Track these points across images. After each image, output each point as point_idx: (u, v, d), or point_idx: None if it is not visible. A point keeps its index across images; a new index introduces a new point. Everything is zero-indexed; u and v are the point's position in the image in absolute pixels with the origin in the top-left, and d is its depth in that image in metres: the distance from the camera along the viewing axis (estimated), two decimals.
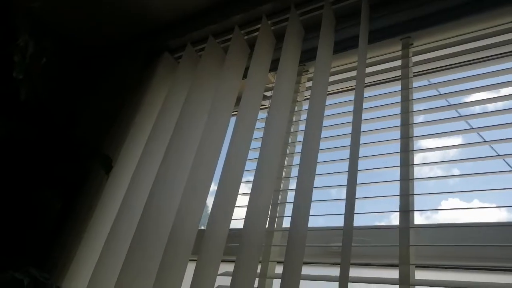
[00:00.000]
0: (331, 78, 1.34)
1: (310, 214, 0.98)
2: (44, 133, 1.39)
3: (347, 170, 0.96)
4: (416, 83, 1.20)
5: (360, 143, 1.01)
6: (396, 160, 1.06)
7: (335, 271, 0.86)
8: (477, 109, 1.09)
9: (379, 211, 1.06)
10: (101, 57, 1.93)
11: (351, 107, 1.10)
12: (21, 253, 1.28)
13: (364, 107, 1.09)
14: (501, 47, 1.12)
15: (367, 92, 1.29)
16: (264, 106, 1.46)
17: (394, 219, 1.03)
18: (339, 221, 1.05)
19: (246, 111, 1.21)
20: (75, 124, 1.70)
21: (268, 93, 1.42)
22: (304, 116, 1.36)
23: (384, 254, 0.99)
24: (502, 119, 1.01)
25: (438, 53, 1.21)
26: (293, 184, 1.23)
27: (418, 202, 0.99)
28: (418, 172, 1.05)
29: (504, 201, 0.91)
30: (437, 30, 1.21)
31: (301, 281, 0.90)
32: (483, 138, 1.01)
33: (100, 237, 1.25)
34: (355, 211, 0.91)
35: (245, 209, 1.02)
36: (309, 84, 1.42)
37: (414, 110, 1.13)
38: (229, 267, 1.02)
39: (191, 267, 1.02)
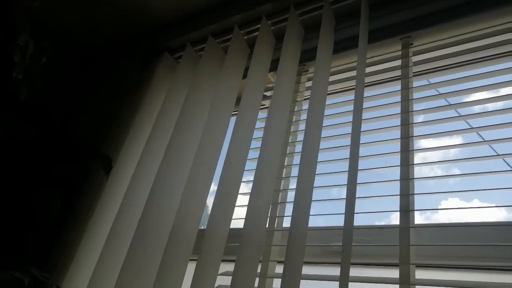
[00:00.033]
0: (331, 78, 1.34)
1: (310, 213, 0.98)
2: (44, 133, 1.39)
3: (347, 169, 0.96)
4: (416, 82, 1.21)
5: (360, 142, 1.01)
6: (396, 159, 1.06)
7: (336, 271, 0.86)
8: (476, 109, 1.09)
9: (379, 210, 1.06)
10: (100, 57, 1.92)
11: (351, 107, 1.10)
12: (21, 253, 1.28)
13: (364, 106, 1.10)
14: (500, 47, 1.12)
15: (367, 92, 1.29)
16: (264, 106, 1.46)
17: (394, 219, 1.03)
18: (339, 221, 1.05)
19: (246, 111, 1.21)
20: (75, 124, 1.70)
21: (268, 93, 1.42)
22: (304, 116, 1.36)
23: (384, 253, 0.99)
24: (502, 118, 1.01)
25: (438, 53, 1.22)
26: (293, 184, 1.23)
27: (418, 201, 0.99)
28: (418, 171, 1.05)
29: (503, 201, 0.91)
30: (437, 30, 1.21)
31: (301, 280, 0.90)
32: (482, 138, 1.02)
33: (100, 236, 1.25)
34: (355, 211, 0.91)
35: (245, 209, 1.03)
36: (309, 84, 1.42)
37: (414, 109, 1.13)
38: (230, 267, 1.02)
39: (191, 267, 1.02)
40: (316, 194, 1.02)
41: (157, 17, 1.69)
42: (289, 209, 1.20)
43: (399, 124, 1.11)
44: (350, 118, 1.22)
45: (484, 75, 1.09)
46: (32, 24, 1.27)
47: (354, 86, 1.27)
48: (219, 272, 1.04)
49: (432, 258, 0.94)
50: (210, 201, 1.16)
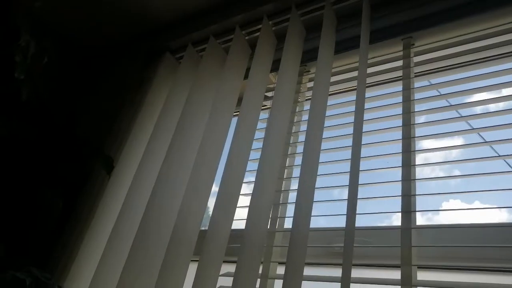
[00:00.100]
0: (333, 79, 1.34)
1: (312, 214, 0.98)
2: (46, 133, 1.39)
3: (348, 170, 0.96)
4: (417, 83, 1.20)
5: (362, 143, 1.01)
6: (398, 160, 1.06)
7: (337, 272, 0.86)
8: (478, 109, 1.09)
9: (381, 211, 1.06)
10: (101, 57, 1.92)
11: (352, 108, 1.10)
12: (22, 253, 1.28)
13: (365, 107, 1.09)
14: (502, 47, 1.12)
15: (369, 93, 1.29)
16: (265, 107, 1.46)
17: (396, 220, 1.03)
18: (341, 222, 1.04)
19: (247, 111, 1.21)
20: (76, 124, 1.70)
21: (269, 94, 1.42)
22: (305, 117, 1.35)
23: (386, 254, 0.99)
24: (503, 119, 1.01)
25: (440, 54, 1.21)
26: (294, 185, 1.23)
27: (419, 203, 0.99)
28: (419, 172, 1.05)
29: (505, 202, 0.91)
30: (439, 30, 1.20)
31: (302, 281, 0.90)
32: (483, 139, 1.01)
33: (102, 236, 1.26)
34: (357, 212, 0.91)
35: (246, 210, 1.02)
36: (311, 84, 1.42)
37: (415, 110, 1.13)
38: (231, 268, 1.02)
39: (193, 268, 1.02)
40: (317, 195, 1.02)
41: (158, 17, 1.69)
42: (290, 210, 1.20)
43: (401, 124, 1.11)
44: (351, 118, 1.22)
45: (486, 75, 1.09)
46: (33, 24, 1.27)
47: (355, 87, 1.26)
48: (221, 273, 1.04)
49: (434, 259, 0.93)
50: (211, 202, 1.16)
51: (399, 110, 1.15)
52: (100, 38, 1.86)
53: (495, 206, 0.92)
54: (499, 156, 0.97)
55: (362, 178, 0.99)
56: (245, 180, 1.17)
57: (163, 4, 1.61)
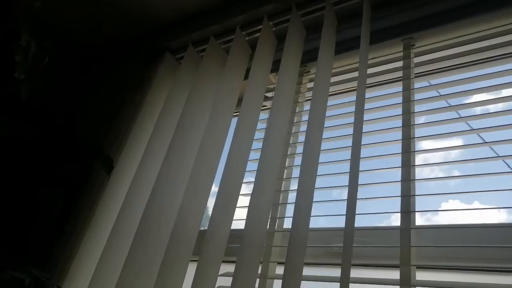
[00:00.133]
0: (333, 79, 1.34)
1: (311, 214, 0.98)
2: (45, 133, 1.39)
3: (348, 171, 0.96)
4: (417, 84, 1.21)
5: (362, 144, 1.01)
6: (397, 161, 1.06)
7: (336, 272, 0.86)
8: (477, 110, 1.09)
9: (380, 212, 1.06)
10: (101, 57, 1.93)
11: (352, 108, 1.10)
12: (22, 252, 1.28)
13: (365, 108, 1.10)
14: (502, 48, 1.12)
15: (369, 93, 1.29)
16: (265, 107, 1.46)
17: (395, 220, 1.03)
18: (340, 222, 1.04)
19: (247, 111, 1.22)
20: (76, 124, 1.70)
21: (269, 94, 1.42)
22: (305, 117, 1.36)
23: (385, 255, 0.99)
24: (502, 120, 1.01)
25: (440, 54, 1.22)
26: (294, 185, 1.23)
27: (419, 203, 0.99)
28: (419, 173, 1.05)
29: (504, 202, 0.91)
30: (439, 31, 1.21)
31: (302, 281, 0.90)
32: (483, 139, 1.02)
33: (101, 236, 1.26)
34: (356, 212, 0.91)
35: (246, 210, 1.03)
36: (311, 85, 1.42)
37: (415, 111, 1.13)
38: (230, 268, 1.03)
39: (192, 268, 1.02)
40: (317, 195, 1.02)
41: (158, 17, 1.69)
42: (290, 210, 1.20)
43: (401, 125, 1.11)
44: (351, 119, 1.22)
45: (486, 76, 1.09)
46: (33, 24, 1.27)
47: (355, 87, 1.27)
48: (220, 273, 1.04)
49: (433, 259, 0.94)
50: (211, 202, 1.16)
51: (399, 110, 1.15)
52: (100, 38, 1.86)
53: (494, 207, 0.92)
54: (499, 156, 0.97)
55: (362, 178, 0.99)
56: (244, 180, 1.17)
57: (163, 4, 1.62)
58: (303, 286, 0.89)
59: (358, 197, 0.93)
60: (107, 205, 1.32)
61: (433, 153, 1.08)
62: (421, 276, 0.91)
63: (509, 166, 0.95)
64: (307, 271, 0.93)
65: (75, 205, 1.37)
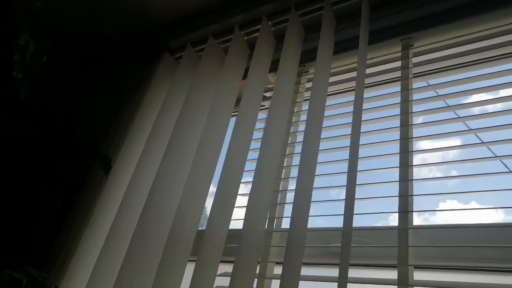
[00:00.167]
0: (331, 79, 1.34)
1: (310, 214, 0.98)
2: (44, 132, 1.39)
3: (346, 170, 0.96)
4: (416, 84, 1.21)
5: (360, 143, 1.01)
6: (395, 161, 1.06)
7: (334, 272, 0.86)
8: (475, 110, 1.09)
9: (378, 211, 1.06)
10: (101, 57, 1.93)
11: (351, 108, 1.10)
12: (20, 252, 1.28)
13: (364, 108, 1.10)
14: (501, 49, 1.12)
15: (367, 93, 1.29)
16: (264, 107, 1.46)
17: (393, 220, 1.03)
18: (338, 222, 1.05)
19: (246, 111, 1.22)
20: (75, 124, 1.70)
21: (268, 94, 1.42)
22: (304, 117, 1.36)
23: (383, 255, 0.99)
24: (500, 120, 1.01)
25: (438, 54, 1.22)
26: (292, 185, 1.23)
27: (416, 203, 0.99)
28: (417, 173, 1.06)
29: (501, 203, 0.91)
30: (437, 31, 1.21)
31: (300, 281, 0.90)
32: (481, 140, 1.02)
33: (99, 236, 1.26)
34: (354, 212, 0.91)
35: (244, 210, 1.03)
36: (309, 84, 1.42)
37: (413, 111, 1.13)
38: (228, 268, 1.03)
39: (190, 268, 1.02)
40: (315, 195, 1.02)
41: (158, 17, 1.69)
42: (288, 210, 1.20)
43: (399, 125, 1.11)
44: (350, 119, 1.23)
45: (484, 76, 1.09)
46: (33, 24, 1.28)
47: (354, 87, 1.27)
48: (218, 273, 1.04)
49: (431, 259, 0.94)
50: (209, 202, 1.16)
51: (397, 110, 1.15)
52: (100, 38, 1.87)
53: (492, 207, 0.92)
54: (496, 156, 0.97)
55: (360, 178, 0.99)
56: (243, 180, 1.17)
57: (163, 4, 1.62)
58: (301, 286, 0.89)
59: (356, 197, 0.93)
60: (105, 205, 1.32)
61: (431, 153, 1.09)
62: (418, 276, 0.91)
63: (506, 166, 0.95)
64: (305, 271, 0.93)
65: (73, 205, 1.37)
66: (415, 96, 1.17)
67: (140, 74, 1.63)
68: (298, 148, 1.30)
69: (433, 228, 0.99)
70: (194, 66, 1.52)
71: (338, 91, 1.41)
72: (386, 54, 1.30)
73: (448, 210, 0.97)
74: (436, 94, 1.16)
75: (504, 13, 1.11)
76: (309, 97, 1.15)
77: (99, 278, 1.14)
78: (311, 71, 1.44)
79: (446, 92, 1.13)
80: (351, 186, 0.93)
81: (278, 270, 1.10)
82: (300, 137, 1.31)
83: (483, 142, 1.00)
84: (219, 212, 1.07)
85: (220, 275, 1.05)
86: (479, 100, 1.06)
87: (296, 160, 1.27)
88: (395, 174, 1.04)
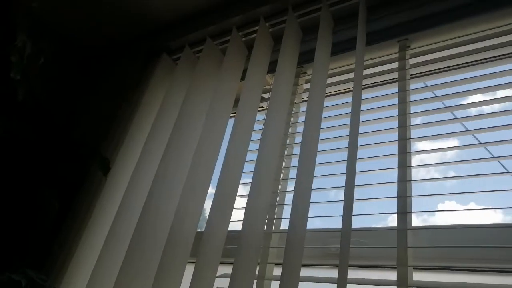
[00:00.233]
0: (329, 80, 1.34)
1: (309, 215, 0.98)
2: (43, 133, 1.39)
3: (345, 171, 0.96)
4: (413, 85, 1.21)
5: (358, 144, 1.01)
6: (394, 161, 1.06)
7: (333, 273, 0.86)
8: (473, 111, 1.10)
9: (377, 212, 1.06)
10: (101, 57, 1.92)
11: (348, 109, 1.10)
12: (19, 254, 1.28)
13: (361, 109, 1.10)
14: (498, 50, 1.13)
15: (365, 94, 1.29)
16: (262, 108, 1.46)
17: (392, 221, 1.04)
18: (337, 223, 1.05)
19: (244, 112, 1.22)
20: (75, 124, 1.70)
21: (266, 95, 1.42)
22: (302, 118, 1.36)
23: (382, 255, 1.00)
24: (498, 121, 1.01)
25: (435, 55, 1.22)
26: (291, 186, 1.24)
27: (415, 204, 1.00)
28: (415, 174, 1.06)
29: (500, 203, 0.91)
30: (434, 32, 1.21)
31: (299, 283, 0.90)
32: (478, 140, 1.02)
33: (98, 237, 1.26)
34: (353, 213, 0.91)
35: (243, 211, 1.03)
36: (307, 86, 1.43)
37: (411, 112, 1.14)
38: (228, 269, 1.02)
39: (189, 269, 1.02)
40: (314, 196, 1.02)
41: (157, 17, 1.69)
42: (287, 211, 1.20)
43: (397, 126, 1.12)
44: (348, 120, 1.22)
45: (481, 77, 1.10)
46: (31, 25, 1.27)
47: (352, 88, 1.27)
48: (217, 274, 1.04)
49: (429, 260, 0.94)
50: (208, 203, 1.16)
51: (395, 111, 1.15)
52: (100, 38, 1.86)
53: (490, 207, 0.93)
54: (494, 157, 0.97)
55: (358, 179, 1.00)
56: (241, 182, 1.17)
57: (163, 5, 1.62)
58: (300, 287, 0.89)
59: (354, 198, 0.93)
60: (104, 207, 1.32)
61: (429, 154, 1.09)
62: (418, 276, 0.91)
63: (504, 167, 0.95)
64: (304, 272, 0.93)
65: (73, 206, 1.36)
66: (413, 97, 1.17)
67: (139, 74, 1.62)
68: (296, 149, 1.30)
69: (432, 228, 0.99)
70: (192, 67, 1.52)
71: (336, 92, 1.41)
72: (384, 55, 1.30)
73: (447, 210, 0.97)
74: (434, 95, 1.16)
75: (501, 14, 1.12)
76: (307, 98, 1.15)
77: (98, 281, 1.13)
78: (309, 72, 1.44)
79: (443, 93, 1.14)
80: (349, 187, 0.93)
81: (277, 271, 1.10)
82: (298, 138, 1.31)
83: (481, 143, 1.01)
84: (218, 213, 1.07)
85: (220, 276, 1.05)
86: (477, 101, 1.06)
87: (295, 161, 1.27)
88: (393, 175, 1.04)
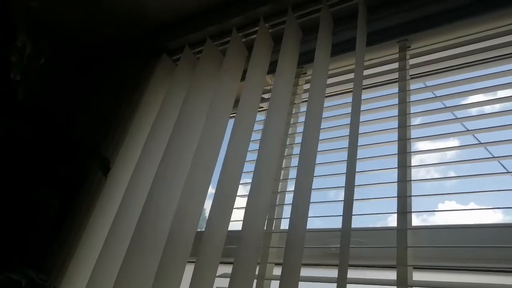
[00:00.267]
0: (329, 80, 1.34)
1: (309, 215, 0.98)
2: (43, 133, 1.39)
3: (345, 171, 0.96)
4: (413, 85, 1.21)
5: (358, 145, 1.01)
6: (394, 161, 1.06)
7: (333, 273, 0.86)
8: (473, 111, 1.10)
9: (376, 212, 1.06)
10: (101, 57, 1.93)
11: (348, 109, 1.10)
12: (18, 254, 1.28)
13: (361, 109, 1.10)
14: (498, 50, 1.13)
15: (365, 94, 1.29)
16: (262, 108, 1.46)
17: (392, 221, 1.04)
18: (337, 223, 1.05)
19: (244, 113, 1.22)
20: (74, 125, 1.70)
21: (266, 95, 1.42)
22: (302, 118, 1.36)
23: (381, 255, 1.00)
24: (498, 121, 1.02)
25: (435, 56, 1.22)
26: (291, 186, 1.24)
27: (415, 204, 1.00)
28: (415, 174, 1.06)
29: (500, 203, 0.91)
30: (434, 33, 1.21)
31: (299, 282, 0.90)
32: (478, 140, 1.02)
33: (98, 237, 1.25)
34: (353, 213, 0.91)
35: (243, 211, 1.03)
36: (307, 86, 1.43)
37: (411, 112, 1.14)
38: (228, 269, 1.02)
39: (189, 269, 1.02)
40: (314, 196, 1.02)
41: (157, 18, 1.69)
42: (287, 211, 1.20)
43: (397, 126, 1.12)
44: (348, 120, 1.23)
45: (481, 77, 1.10)
46: (31, 25, 1.27)
47: (351, 89, 1.27)
48: (217, 274, 1.04)
49: (429, 260, 0.94)
50: (208, 203, 1.16)
51: (395, 112, 1.16)
52: (99, 38, 1.86)
53: (490, 207, 0.93)
54: (494, 157, 0.97)
55: (358, 179, 1.00)
56: (241, 182, 1.17)
57: (162, 5, 1.62)
58: (300, 287, 0.89)
59: (354, 198, 0.93)
60: (104, 207, 1.32)
61: (429, 154, 1.09)
62: (417, 276, 0.91)
63: (504, 167, 0.95)
64: (304, 272, 0.93)
65: (72, 206, 1.36)
66: (413, 98, 1.18)
67: (139, 75, 1.63)
68: (296, 150, 1.30)
69: (432, 228, 0.99)
70: (192, 68, 1.52)
71: (336, 92, 1.41)
72: (384, 56, 1.31)
73: (447, 210, 0.97)
74: (434, 95, 1.16)
75: (501, 15, 1.12)
76: (307, 99, 1.15)
77: (98, 280, 1.13)
78: (309, 73, 1.44)
79: (443, 93, 1.14)
80: (349, 187, 0.93)
81: (277, 271, 1.10)
82: (298, 139, 1.31)
83: (480, 143, 1.01)
84: (218, 213, 1.07)
85: (220, 276, 1.05)
86: (477, 101, 1.07)
87: (295, 161, 1.27)
88: (393, 175, 1.04)
